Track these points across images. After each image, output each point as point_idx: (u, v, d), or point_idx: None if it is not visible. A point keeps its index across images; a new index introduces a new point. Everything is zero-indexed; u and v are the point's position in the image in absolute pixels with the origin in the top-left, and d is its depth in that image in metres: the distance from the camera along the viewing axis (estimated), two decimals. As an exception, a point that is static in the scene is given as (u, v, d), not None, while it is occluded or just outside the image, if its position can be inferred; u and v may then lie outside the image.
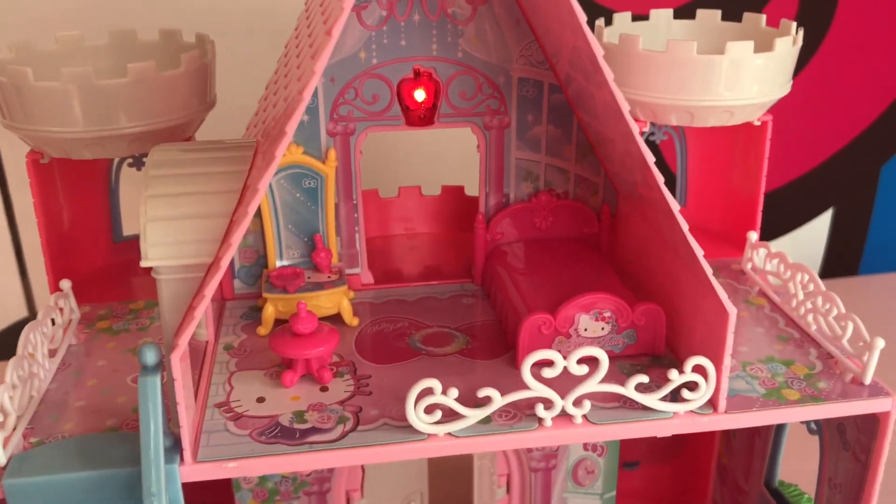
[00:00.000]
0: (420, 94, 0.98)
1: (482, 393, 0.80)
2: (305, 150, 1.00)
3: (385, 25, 0.97)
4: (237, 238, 0.71)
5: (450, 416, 0.80)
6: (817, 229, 2.00)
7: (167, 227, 0.75)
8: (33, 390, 0.87)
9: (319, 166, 1.01)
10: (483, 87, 0.99)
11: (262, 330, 0.99)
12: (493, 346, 0.93)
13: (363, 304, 1.05)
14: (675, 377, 0.82)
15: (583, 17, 0.73)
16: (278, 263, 1.04)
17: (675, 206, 0.78)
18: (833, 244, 2.03)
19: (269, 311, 0.98)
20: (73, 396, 0.89)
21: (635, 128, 0.76)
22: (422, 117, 1.01)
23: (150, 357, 0.75)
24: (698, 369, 0.80)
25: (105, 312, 1.05)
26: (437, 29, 0.98)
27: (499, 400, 0.80)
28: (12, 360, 0.83)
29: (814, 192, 1.97)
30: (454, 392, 0.79)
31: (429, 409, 0.79)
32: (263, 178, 0.69)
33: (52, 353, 0.95)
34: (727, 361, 0.81)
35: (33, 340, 0.89)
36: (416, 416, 0.79)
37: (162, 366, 0.75)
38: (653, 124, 1.15)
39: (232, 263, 1.05)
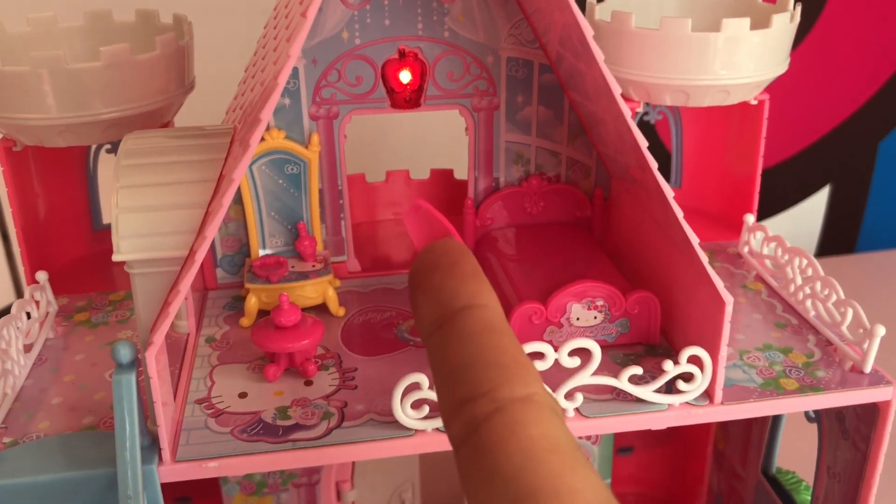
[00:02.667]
0: (405, 76, 0.95)
1: None
2: (287, 134, 0.97)
3: (368, 4, 0.93)
4: (212, 230, 0.68)
5: (438, 410, 0.77)
6: (814, 206, 1.98)
7: (140, 218, 0.72)
8: (7, 387, 0.84)
9: (302, 151, 0.97)
10: (471, 68, 0.97)
11: (245, 321, 0.96)
12: None
13: (350, 292, 1.02)
14: (670, 368, 0.79)
15: (572, -5, 0.70)
16: (261, 252, 1.01)
17: (669, 192, 0.75)
18: (830, 221, 2.01)
19: (252, 302, 0.96)
20: (49, 393, 0.86)
21: (627, 112, 0.73)
22: (407, 100, 0.97)
23: (125, 355, 0.72)
24: (694, 360, 0.78)
25: (84, 304, 1.02)
26: (423, 7, 0.94)
27: None
28: (-16, 358, 0.81)
29: (811, 169, 1.94)
30: None
31: (416, 405, 0.77)
32: (238, 167, 0.66)
33: (29, 349, 0.92)
34: (724, 352, 0.79)
35: (7, 336, 0.86)
36: (403, 412, 0.77)
37: (137, 362, 0.73)
38: (647, 104, 1.11)
39: (214, 252, 1.03)
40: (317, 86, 0.96)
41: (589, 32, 0.69)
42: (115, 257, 0.72)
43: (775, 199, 1.93)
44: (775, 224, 1.92)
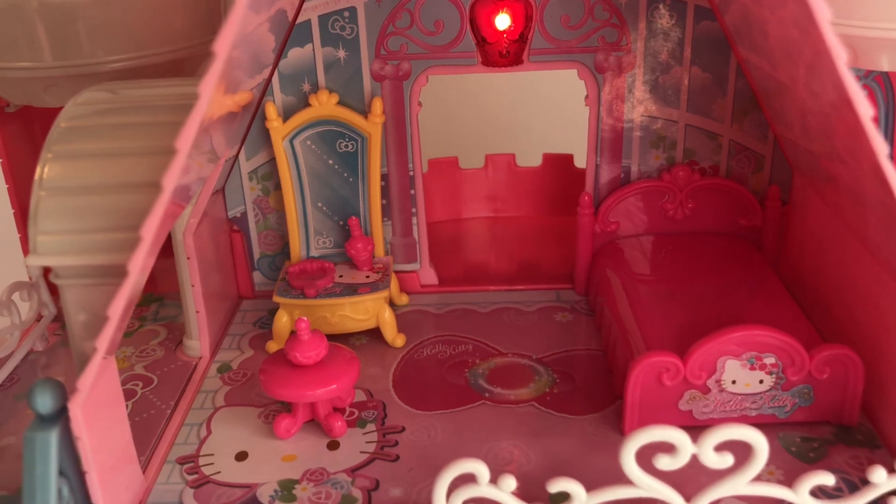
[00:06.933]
0: (503, 21, 0.77)
1: (556, 487, 0.53)
2: (341, 99, 0.79)
3: (453, -83, 0.75)
4: (151, 229, 0.45)
5: None
6: None
7: (71, 205, 0.51)
8: (-53, 418, 0.65)
9: (360, 122, 0.78)
10: (595, 10, 0.77)
11: (273, 346, 0.77)
12: (591, 392, 0.70)
13: (418, 313, 0.82)
14: (882, 480, 0.53)
15: None
16: (304, 254, 0.80)
17: (906, 199, 0.46)
18: None
19: (283, 322, 0.77)
20: (2, 430, 0.69)
21: (842, 59, 0.44)
22: (504, 53, 0.77)
23: (45, 401, 0.53)
24: None
25: (88, 308, 0.83)
26: (530, -77, 0.75)
27: (583, 499, 0.53)
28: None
29: None
30: (510, 483, 0.53)
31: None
32: (183, 131, 0.43)
33: (3, 362, 0.75)
34: (976, 458, 0.53)
35: (-47, 350, 0.67)
36: None
37: (66, 413, 0.51)
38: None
39: (250, 252, 0.84)
40: (381, 33, 0.77)
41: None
42: (30, 260, 0.51)
43: None
44: None
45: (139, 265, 0.46)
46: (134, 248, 0.50)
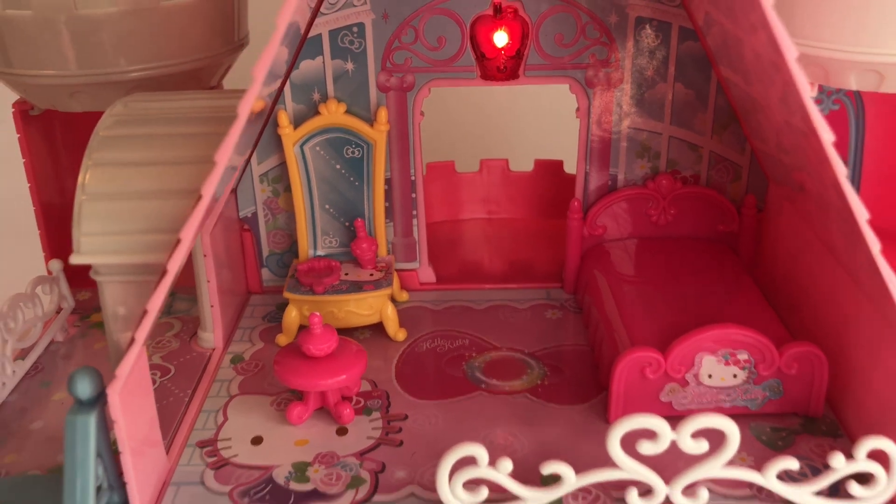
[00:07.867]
0: (501, 38, 0.80)
1: (548, 469, 0.57)
2: (349, 108, 0.81)
3: (456, -59, 0.78)
4: (190, 232, 0.50)
5: (500, 491, 0.58)
6: None
7: (111, 209, 0.55)
8: (-20, 403, 0.69)
9: (366, 130, 0.81)
10: (587, 30, 0.80)
11: (283, 339, 0.80)
12: (579, 384, 0.74)
13: (418, 309, 0.86)
14: (841, 465, 0.58)
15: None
16: (311, 253, 0.83)
17: (863, 214, 0.51)
18: None
19: (292, 316, 0.79)
20: (30, 414, 0.72)
21: (807, 91, 0.49)
22: (502, 69, 0.80)
23: (84, 387, 0.57)
24: (877, 455, 0.58)
25: (105, 301, 0.87)
26: (527, -52, 0.76)
27: (572, 480, 0.57)
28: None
29: None
30: (506, 465, 0.57)
31: (470, 485, 0.58)
32: (223, 145, 0.47)
33: (27, 352, 0.78)
34: (924, 446, 0.58)
35: (-13, 340, 0.70)
36: (452, 495, 0.58)
37: (104, 399, 0.55)
38: (821, 89, 0.86)
39: (259, 250, 0.88)
40: (387, 48, 0.80)
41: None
42: (74, 259, 0.55)
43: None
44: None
45: (178, 264, 0.51)
46: (168, 248, 0.55)
